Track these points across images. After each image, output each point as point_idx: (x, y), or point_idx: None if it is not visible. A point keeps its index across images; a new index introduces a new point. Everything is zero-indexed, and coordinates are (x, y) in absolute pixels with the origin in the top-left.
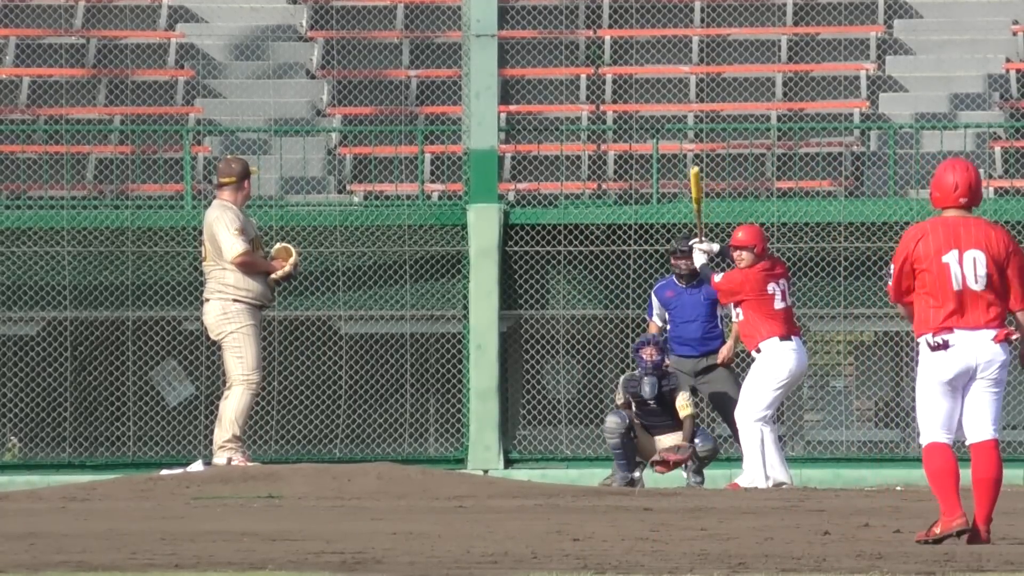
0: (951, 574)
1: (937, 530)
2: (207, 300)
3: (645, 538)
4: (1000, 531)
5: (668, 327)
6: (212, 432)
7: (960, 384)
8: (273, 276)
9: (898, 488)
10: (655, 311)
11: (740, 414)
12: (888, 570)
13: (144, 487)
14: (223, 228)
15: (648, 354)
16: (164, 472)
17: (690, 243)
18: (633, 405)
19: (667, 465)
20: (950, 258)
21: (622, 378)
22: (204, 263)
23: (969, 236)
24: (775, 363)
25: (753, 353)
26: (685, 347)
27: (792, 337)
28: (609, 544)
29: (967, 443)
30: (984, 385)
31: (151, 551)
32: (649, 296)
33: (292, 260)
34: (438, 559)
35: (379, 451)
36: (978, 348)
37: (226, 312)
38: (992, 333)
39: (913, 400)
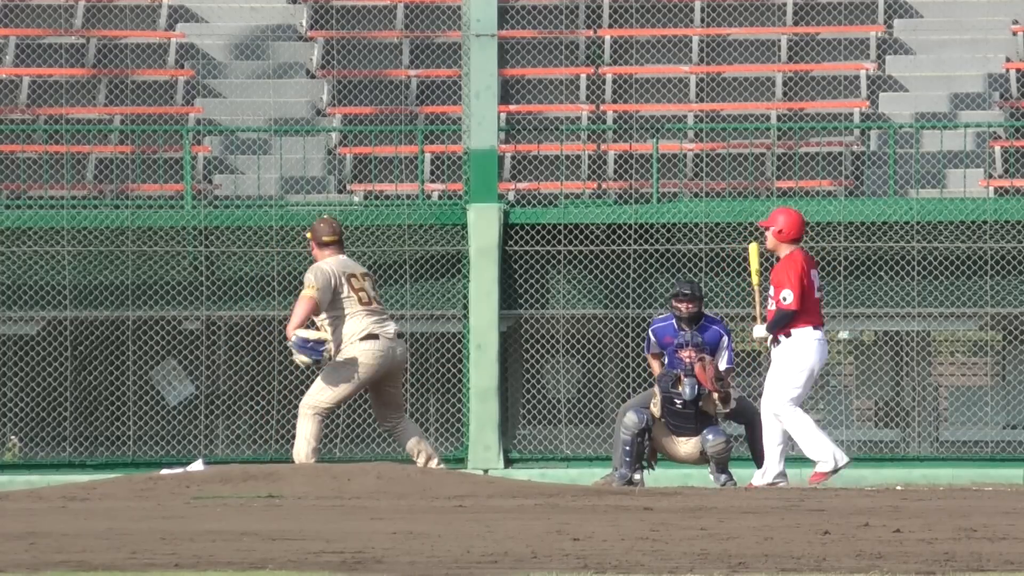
0: (951, 574)
1: None
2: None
3: (645, 538)
4: (1000, 531)
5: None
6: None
7: None
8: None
9: (898, 488)
10: (653, 349)
11: (772, 403)
12: (888, 570)
13: (144, 487)
14: None
15: (688, 355)
16: (164, 472)
17: (754, 332)
18: (661, 404)
19: (707, 382)
20: None
21: (658, 374)
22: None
23: None
24: (804, 351)
25: (781, 338)
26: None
27: (820, 328)
28: (609, 544)
29: None
30: None
31: (151, 551)
32: (647, 333)
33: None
34: (438, 559)
35: (379, 451)
36: None
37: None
38: None
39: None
